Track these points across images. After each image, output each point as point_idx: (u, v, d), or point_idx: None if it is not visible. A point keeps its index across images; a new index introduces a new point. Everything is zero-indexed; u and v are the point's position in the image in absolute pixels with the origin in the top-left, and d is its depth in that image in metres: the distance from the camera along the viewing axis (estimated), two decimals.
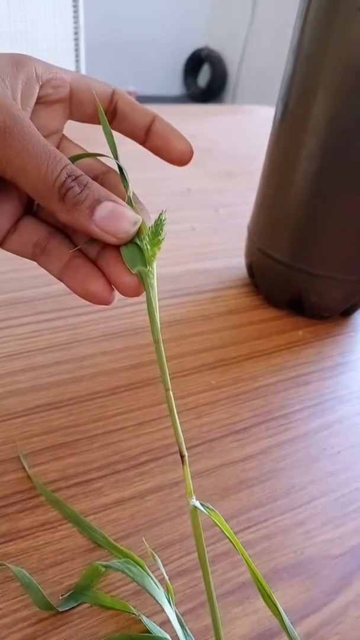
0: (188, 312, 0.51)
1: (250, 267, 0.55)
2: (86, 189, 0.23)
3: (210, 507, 0.22)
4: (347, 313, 0.53)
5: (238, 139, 1.07)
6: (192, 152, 0.29)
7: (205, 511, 0.22)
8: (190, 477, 0.23)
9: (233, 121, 1.21)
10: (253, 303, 0.54)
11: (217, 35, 3.74)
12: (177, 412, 0.39)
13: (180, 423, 0.38)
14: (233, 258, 0.61)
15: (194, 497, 0.22)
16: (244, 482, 0.35)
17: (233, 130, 1.13)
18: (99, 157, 0.29)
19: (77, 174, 0.23)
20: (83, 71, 2.42)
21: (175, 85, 3.97)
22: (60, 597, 0.27)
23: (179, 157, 0.29)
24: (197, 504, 0.22)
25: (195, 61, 3.87)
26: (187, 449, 0.36)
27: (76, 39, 2.36)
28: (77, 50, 2.47)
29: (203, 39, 3.79)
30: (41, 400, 0.39)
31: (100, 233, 0.24)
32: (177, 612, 0.26)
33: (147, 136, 0.29)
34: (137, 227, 0.24)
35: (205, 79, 3.90)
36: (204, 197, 0.77)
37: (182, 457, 0.23)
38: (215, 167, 0.90)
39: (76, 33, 2.44)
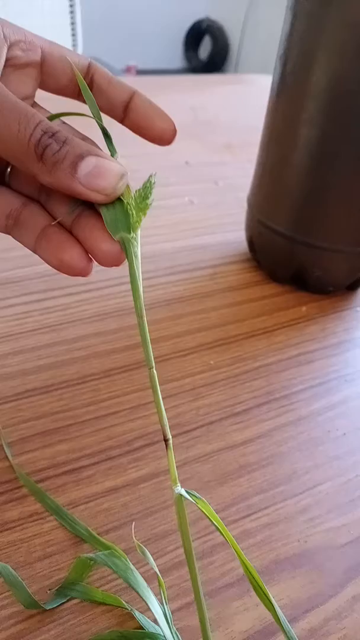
0: (186, 290, 0.49)
1: (250, 241, 0.53)
2: (65, 145, 0.21)
3: (197, 495, 0.20)
4: (352, 287, 0.50)
5: (239, 109, 1.03)
6: (174, 131, 0.27)
7: (191, 499, 0.20)
8: (174, 463, 0.21)
9: (234, 92, 1.17)
10: (254, 279, 0.52)
11: (217, 5, 3.63)
12: (174, 395, 0.38)
13: (176, 406, 0.37)
14: (233, 232, 0.58)
15: (178, 484, 0.20)
16: (243, 467, 0.33)
17: (234, 101, 1.09)
18: (73, 125, 0.27)
19: (53, 130, 0.21)
20: (80, 46, 2.36)
21: (176, 58, 3.87)
22: (48, 591, 0.26)
23: (160, 135, 0.27)
24: (183, 491, 0.20)
25: (196, 33, 3.77)
26: (183, 433, 0.34)
27: (72, 12, 2.30)
28: (73, 24, 2.40)
29: (203, 9, 3.68)
30: (30, 385, 0.37)
31: (86, 192, 0.21)
32: (168, 608, 0.25)
33: (126, 113, 0.27)
34: (124, 180, 0.22)
35: (206, 51, 3.80)
36: (203, 170, 0.74)
37: (165, 440, 0.21)
38: (215, 140, 0.86)
39: (72, 6, 2.38)
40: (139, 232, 0.22)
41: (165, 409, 0.36)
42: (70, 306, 0.44)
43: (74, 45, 2.31)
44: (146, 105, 0.27)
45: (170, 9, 3.59)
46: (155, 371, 0.21)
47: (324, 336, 0.45)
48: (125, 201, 0.22)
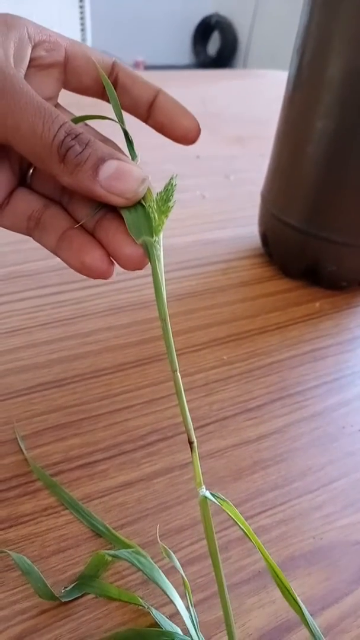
0: (198, 285, 0.49)
1: (264, 236, 0.52)
2: (88, 147, 0.21)
3: (222, 497, 0.20)
4: None
5: (249, 103, 1.02)
6: (199, 130, 0.27)
7: (216, 501, 0.20)
8: (199, 466, 0.20)
9: (244, 86, 1.16)
10: (267, 274, 0.51)
11: (226, 0, 3.61)
12: (187, 390, 0.37)
13: (189, 401, 0.36)
14: (245, 227, 0.58)
15: (203, 486, 0.20)
16: (258, 463, 0.33)
17: (244, 95, 1.08)
18: (95, 127, 0.27)
19: (76, 132, 0.21)
20: (89, 40, 2.36)
21: (184, 54, 3.86)
22: (63, 590, 0.25)
23: (184, 134, 0.27)
24: (208, 494, 0.20)
25: (205, 28, 3.75)
26: (197, 428, 0.34)
27: (81, 7, 2.29)
28: (82, 19, 2.40)
29: (212, 4, 3.66)
30: (44, 378, 0.37)
31: (107, 195, 0.21)
32: (194, 611, 0.24)
33: (150, 112, 0.27)
34: (145, 185, 0.22)
35: (215, 46, 3.78)
36: (214, 164, 0.74)
37: (190, 443, 0.20)
38: (226, 133, 0.86)
39: (81, 1, 2.38)
40: (161, 235, 0.22)
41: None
42: (83, 300, 0.44)
43: (83, 40, 2.30)
44: (170, 104, 0.26)
45: (179, 4, 3.58)
46: (179, 374, 0.21)
47: (337, 332, 0.45)
48: (146, 204, 0.22)
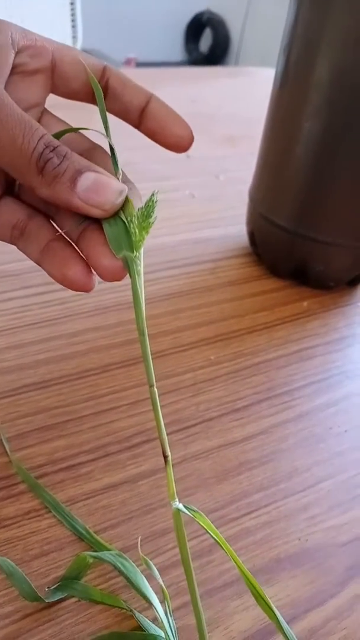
0: (186, 284, 0.48)
1: (252, 235, 0.52)
2: (65, 159, 0.21)
3: (194, 509, 0.20)
4: (354, 282, 0.50)
5: (240, 102, 1.02)
6: (191, 137, 0.26)
7: (189, 514, 0.20)
8: (173, 479, 0.20)
9: (235, 84, 1.16)
10: (255, 273, 0.51)
11: None
12: (174, 390, 0.37)
13: (177, 401, 0.36)
14: (234, 226, 0.58)
15: (176, 499, 0.20)
16: (244, 464, 0.33)
17: (235, 94, 1.08)
18: (84, 133, 0.26)
19: (54, 145, 0.21)
20: (80, 38, 2.34)
21: (176, 51, 3.85)
22: (47, 589, 0.25)
23: (176, 142, 0.26)
24: (180, 506, 0.20)
25: (197, 25, 3.74)
26: (183, 429, 0.34)
27: (72, 3, 2.28)
28: (73, 16, 2.39)
29: (204, 1, 3.65)
30: (29, 380, 0.37)
31: (84, 206, 0.21)
32: (172, 620, 0.24)
33: (142, 118, 0.26)
34: (123, 196, 0.22)
35: (207, 44, 3.77)
36: (204, 164, 0.74)
37: (165, 457, 0.20)
38: (216, 132, 0.86)
39: None
40: (142, 250, 0.22)
41: (165, 405, 0.35)
42: (69, 300, 0.44)
43: (74, 37, 2.29)
44: (163, 110, 0.26)
45: (171, 1, 3.57)
46: (156, 389, 0.21)
47: (325, 332, 0.45)
48: (127, 219, 0.22)
